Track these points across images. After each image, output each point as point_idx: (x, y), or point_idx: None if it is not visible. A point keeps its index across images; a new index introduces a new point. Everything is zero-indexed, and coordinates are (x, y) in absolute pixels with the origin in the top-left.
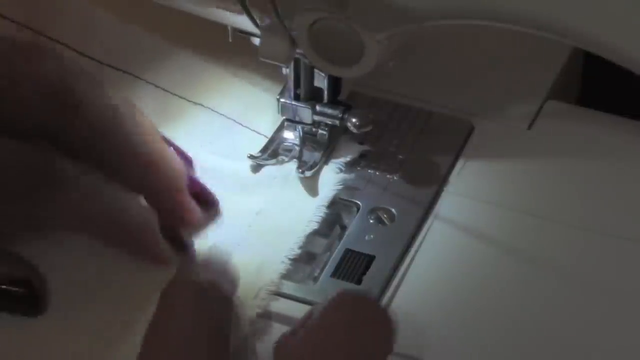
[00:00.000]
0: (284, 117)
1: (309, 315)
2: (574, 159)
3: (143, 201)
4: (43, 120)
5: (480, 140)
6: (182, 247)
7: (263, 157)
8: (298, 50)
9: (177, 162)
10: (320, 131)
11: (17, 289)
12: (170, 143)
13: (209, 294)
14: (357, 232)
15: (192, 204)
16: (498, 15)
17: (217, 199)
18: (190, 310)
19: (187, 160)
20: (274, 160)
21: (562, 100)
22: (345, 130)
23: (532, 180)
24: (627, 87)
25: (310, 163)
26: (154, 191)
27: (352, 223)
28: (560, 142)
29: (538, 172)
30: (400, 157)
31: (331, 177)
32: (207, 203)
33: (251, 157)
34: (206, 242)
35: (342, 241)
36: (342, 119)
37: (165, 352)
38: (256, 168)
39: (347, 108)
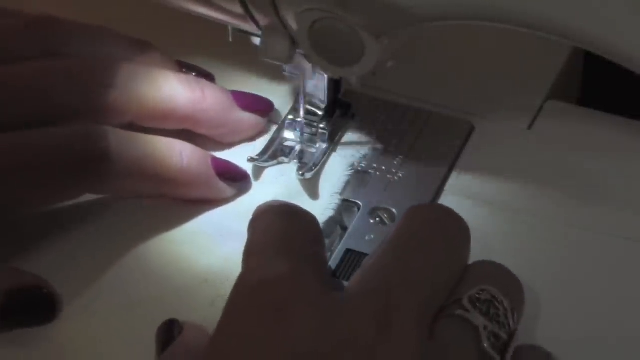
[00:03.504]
0: (284, 117)
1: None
2: (574, 159)
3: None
4: (71, 101)
5: (480, 140)
6: (238, 177)
7: (263, 159)
8: (298, 50)
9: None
10: (320, 131)
11: (33, 295)
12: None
13: (295, 213)
14: (357, 232)
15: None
16: (498, 16)
17: (246, 173)
18: (281, 225)
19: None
20: (274, 162)
21: (562, 100)
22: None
23: (532, 180)
24: (627, 87)
25: (310, 165)
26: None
27: (353, 223)
28: (560, 142)
29: (538, 172)
30: (400, 157)
31: (332, 177)
32: (236, 179)
33: (251, 159)
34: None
35: (342, 241)
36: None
37: (264, 261)
38: (257, 172)
39: (347, 109)
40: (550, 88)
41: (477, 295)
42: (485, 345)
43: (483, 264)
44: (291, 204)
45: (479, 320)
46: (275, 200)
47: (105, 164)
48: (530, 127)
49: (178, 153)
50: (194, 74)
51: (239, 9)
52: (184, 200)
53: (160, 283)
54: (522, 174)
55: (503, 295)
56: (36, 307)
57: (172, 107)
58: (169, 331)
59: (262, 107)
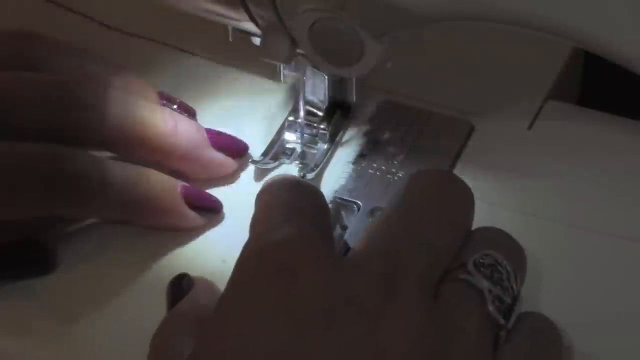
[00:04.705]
0: (285, 119)
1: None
2: (574, 159)
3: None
4: (46, 121)
5: (480, 140)
6: (209, 206)
7: (264, 161)
8: (298, 50)
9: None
10: (321, 131)
11: (29, 249)
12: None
13: (301, 185)
14: (357, 232)
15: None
16: (498, 15)
17: (218, 202)
18: (287, 195)
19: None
20: (276, 163)
21: (562, 100)
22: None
23: (532, 180)
24: (627, 87)
25: (312, 165)
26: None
27: (353, 223)
28: (560, 142)
29: (538, 172)
30: (400, 157)
31: (333, 179)
32: (207, 208)
33: (253, 161)
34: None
35: (342, 241)
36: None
37: (271, 226)
38: (260, 175)
39: (347, 109)
40: (550, 88)
41: (481, 260)
42: (490, 308)
43: (486, 229)
44: (297, 177)
45: (484, 284)
46: (281, 174)
47: (68, 186)
48: (530, 127)
49: (145, 180)
50: (174, 106)
51: (239, 9)
52: (152, 228)
53: (171, 240)
54: (522, 174)
55: (506, 259)
56: (31, 259)
57: (142, 135)
58: (179, 286)
59: (236, 149)
